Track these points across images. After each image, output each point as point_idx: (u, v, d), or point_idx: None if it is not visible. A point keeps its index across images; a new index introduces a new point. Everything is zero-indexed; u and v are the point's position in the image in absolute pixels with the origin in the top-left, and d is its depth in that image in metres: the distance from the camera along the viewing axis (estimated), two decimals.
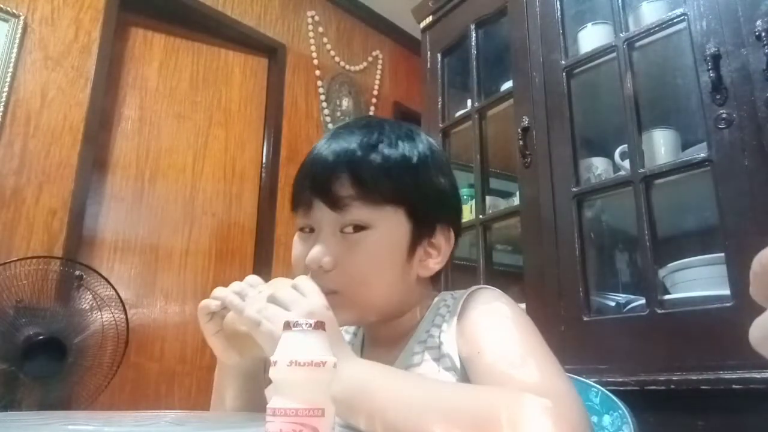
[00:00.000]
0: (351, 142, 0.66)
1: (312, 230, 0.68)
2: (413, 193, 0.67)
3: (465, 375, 0.61)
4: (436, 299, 0.72)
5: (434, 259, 0.70)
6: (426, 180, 0.69)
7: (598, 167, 1.40)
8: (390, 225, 0.66)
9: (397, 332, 0.70)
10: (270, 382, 0.41)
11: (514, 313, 0.64)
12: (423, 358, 0.65)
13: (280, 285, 0.62)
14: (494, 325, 0.62)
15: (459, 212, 0.76)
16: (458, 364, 0.62)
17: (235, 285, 0.64)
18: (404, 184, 0.66)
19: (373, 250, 0.65)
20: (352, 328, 0.81)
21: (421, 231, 0.68)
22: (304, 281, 0.61)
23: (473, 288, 0.69)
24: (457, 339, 0.64)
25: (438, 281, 0.79)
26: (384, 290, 0.67)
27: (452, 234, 0.71)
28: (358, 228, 0.65)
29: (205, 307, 0.65)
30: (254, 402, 0.69)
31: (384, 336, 0.72)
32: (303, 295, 0.58)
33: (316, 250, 0.64)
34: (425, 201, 0.68)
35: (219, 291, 0.65)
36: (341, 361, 0.42)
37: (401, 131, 0.70)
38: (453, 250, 0.72)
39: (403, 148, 0.68)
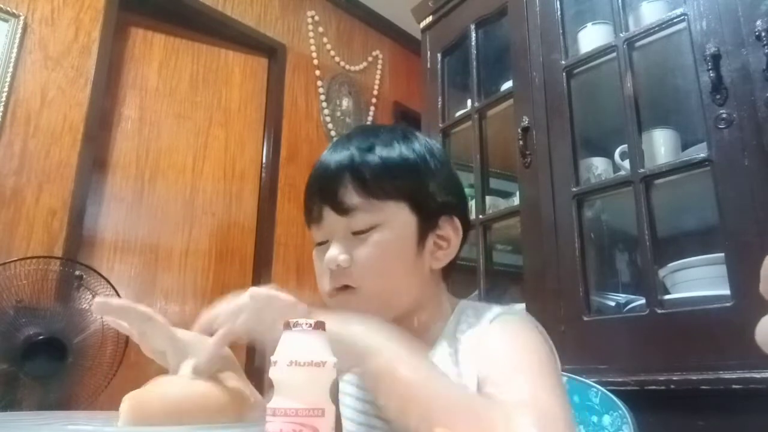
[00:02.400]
0: (349, 149, 0.70)
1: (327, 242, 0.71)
2: (414, 188, 0.70)
3: None
4: (456, 310, 0.73)
5: (444, 250, 0.72)
6: (425, 174, 0.71)
7: (598, 167, 1.40)
8: (396, 220, 0.69)
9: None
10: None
11: (528, 344, 0.64)
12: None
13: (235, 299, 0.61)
14: (507, 354, 0.63)
15: (464, 205, 0.79)
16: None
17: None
18: (404, 180, 0.69)
19: (384, 244, 0.68)
20: None
21: (427, 223, 0.70)
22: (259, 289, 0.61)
23: (498, 312, 0.68)
24: (473, 361, 0.64)
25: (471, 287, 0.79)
26: (398, 282, 0.69)
27: (459, 226, 0.73)
28: (368, 229, 0.68)
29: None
30: None
31: None
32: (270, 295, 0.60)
33: (332, 251, 0.68)
34: (426, 194, 0.71)
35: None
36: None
37: (396, 133, 0.73)
38: (463, 241, 0.74)
39: (399, 147, 0.71)
